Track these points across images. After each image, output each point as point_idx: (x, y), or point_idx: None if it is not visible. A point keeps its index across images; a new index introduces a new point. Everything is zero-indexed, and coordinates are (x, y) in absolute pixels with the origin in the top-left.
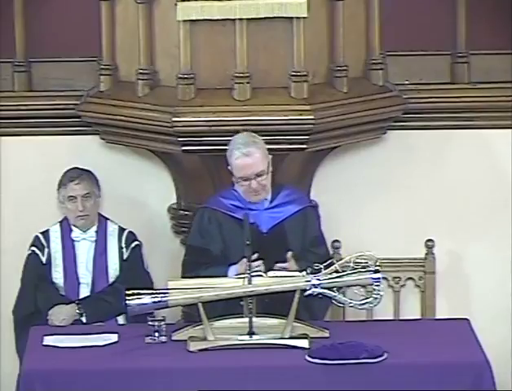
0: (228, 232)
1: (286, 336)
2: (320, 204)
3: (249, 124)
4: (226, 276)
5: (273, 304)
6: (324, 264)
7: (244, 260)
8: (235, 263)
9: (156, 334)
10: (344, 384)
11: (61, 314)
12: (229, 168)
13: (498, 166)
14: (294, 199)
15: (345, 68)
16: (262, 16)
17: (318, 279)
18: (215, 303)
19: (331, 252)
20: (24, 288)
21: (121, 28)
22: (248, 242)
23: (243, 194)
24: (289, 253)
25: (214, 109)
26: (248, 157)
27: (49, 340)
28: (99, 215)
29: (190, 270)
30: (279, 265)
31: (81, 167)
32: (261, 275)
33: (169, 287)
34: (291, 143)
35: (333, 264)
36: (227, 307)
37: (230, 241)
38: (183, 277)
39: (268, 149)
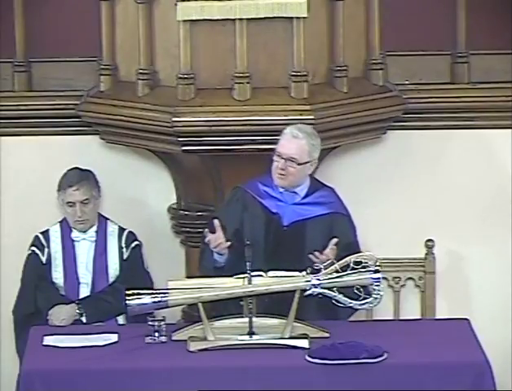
0: (251, 216)
1: (286, 336)
2: None
3: (249, 124)
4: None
5: (273, 303)
6: (325, 264)
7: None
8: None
9: (156, 334)
10: (344, 384)
11: (61, 314)
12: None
13: (498, 166)
14: (326, 203)
15: (345, 68)
16: (262, 16)
17: (318, 279)
18: (226, 302)
19: None
20: (24, 288)
21: (121, 28)
22: (248, 242)
23: (272, 171)
24: (334, 240)
25: (214, 109)
26: (293, 138)
27: (49, 340)
28: (99, 215)
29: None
30: (315, 253)
31: (81, 167)
32: (261, 275)
33: (169, 287)
34: None
35: (333, 264)
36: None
37: (250, 224)
38: (201, 244)
39: (268, 149)
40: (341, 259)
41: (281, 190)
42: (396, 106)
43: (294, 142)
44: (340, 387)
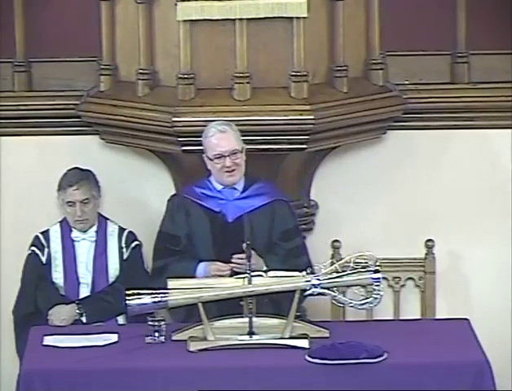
0: (195, 219)
1: (286, 336)
2: (320, 204)
3: (249, 124)
4: (194, 273)
5: (271, 302)
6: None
7: (217, 263)
8: (203, 259)
9: (156, 334)
10: (344, 384)
11: (61, 314)
12: (204, 156)
13: (498, 166)
14: (265, 193)
15: (345, 68)
16: (262, 16)
17: (318, 279)
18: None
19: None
20: (24, 288)
21: (121, 28)
22: (248, 242)
23: (218, 175)
24: (244, 245)
25: (214, 109)
26: (223, 133)
27: (49, 340)
28: (99, 215)
29: (160, 256)
30: (236, 256)
31: (81, 167)
32: (261, 275)
33: (169, 287)
34: (291, 143)
35: (333, 264)
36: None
37: (195, 228)
38: (153, 262)
39: (268, 149)
40: (281, 244)
41: (219, 188)
42: (396, 106)
43: (227, 137)
44: (340, 387)
